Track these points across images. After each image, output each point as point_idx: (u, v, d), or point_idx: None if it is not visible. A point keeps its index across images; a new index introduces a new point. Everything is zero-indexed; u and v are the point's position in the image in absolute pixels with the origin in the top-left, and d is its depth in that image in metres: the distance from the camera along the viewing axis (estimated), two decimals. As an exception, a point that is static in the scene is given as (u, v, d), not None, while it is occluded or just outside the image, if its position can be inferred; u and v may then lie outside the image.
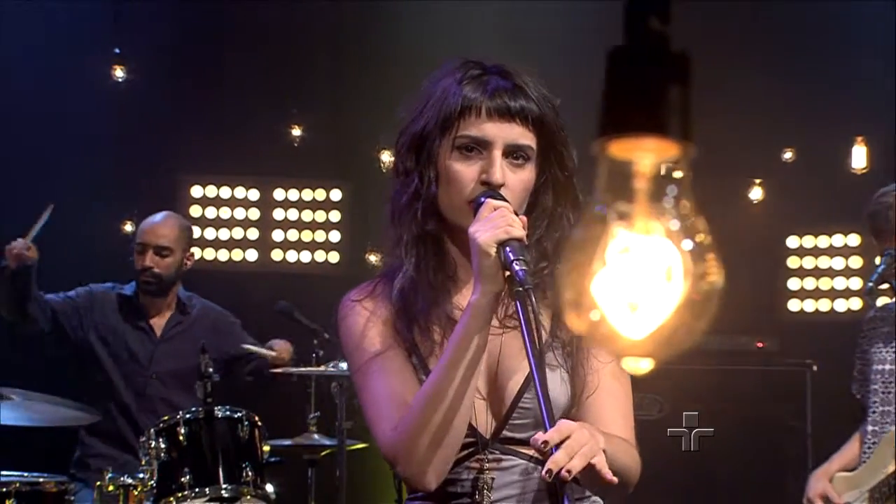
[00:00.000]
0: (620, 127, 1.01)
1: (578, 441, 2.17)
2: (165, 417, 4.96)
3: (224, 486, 4.86)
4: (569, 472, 2.13)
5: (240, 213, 7.82)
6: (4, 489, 4.93)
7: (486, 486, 2.46)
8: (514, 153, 2.49)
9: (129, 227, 6.86)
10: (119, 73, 6.88)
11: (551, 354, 2.53)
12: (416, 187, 2.53)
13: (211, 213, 7.77)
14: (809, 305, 7.93)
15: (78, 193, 6.91)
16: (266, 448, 5.08)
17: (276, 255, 7.86)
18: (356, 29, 7.42)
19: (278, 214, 7.87)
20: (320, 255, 7.90)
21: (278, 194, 7.87)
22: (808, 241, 8.01)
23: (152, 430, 4.88)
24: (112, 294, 5.82)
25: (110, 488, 4.92)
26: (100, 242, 6.81)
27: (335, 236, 7.92)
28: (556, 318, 2.55)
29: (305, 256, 7.87)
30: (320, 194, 7.90)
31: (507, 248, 2.28)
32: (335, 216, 7.93)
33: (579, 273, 1.05)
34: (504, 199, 2.40)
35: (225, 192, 7.81)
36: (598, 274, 1.05)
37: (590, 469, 2.18)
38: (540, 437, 2.17)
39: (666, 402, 6.53)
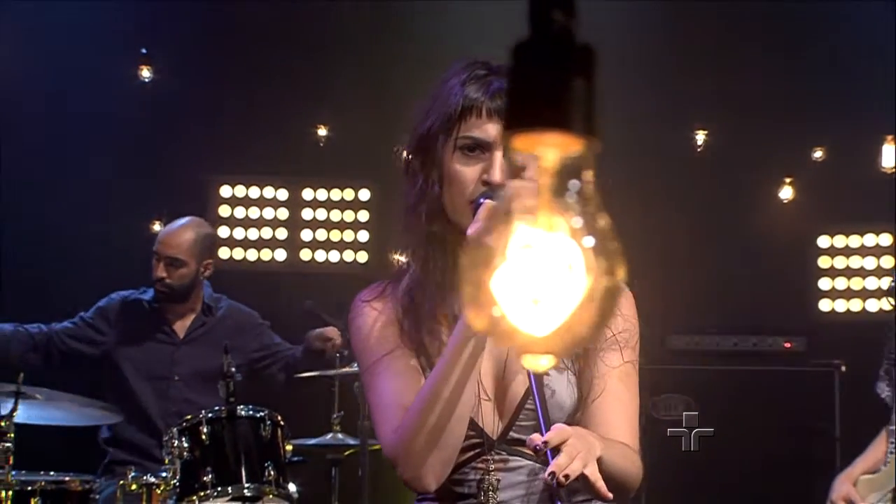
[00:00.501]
0: (524, 121, 1.00)
1: (575, 446, 2.16)
2: (188, 417, 4.95)
3: (246, 485, 4.84)
4: (566, 476, 2.12)
5: (268, 213, 7.83)
6: (29, 488, 4.94)
7: (491, 487, 2.46)
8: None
9: (157, 227, 6.87)
10: (146, 73, 6.90)
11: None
12: (420, 188, 2.53)
13: (240, 212, 7.78)
14: (841, 305, 7.87)
15: (106, 194, 6.94)
16: (289, 447, 5.07)
17: (305, 254, 7.86)
18: (383, 28, 7.41)
19: (307, 214, 7.88)
20: (349, 255, 7.90)
21: (307, 194, 7.87)
22: (840, 241, 7.95)
23: (175, 430, 4.88)
24: (131, 300, 5.83)
25: (133, 487, 4.93)
26: (128, 243, 6.82)
27: (364, 236, 7.92)
28: None
29: (334, 256, 7.87)
30: (349, 194, 7.90)
31: None
32: (363, 216, 7.93)
33: (479, 269, 1.04)
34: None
35: (254, 192, 7.81)
36: (499, 270, 1.04)
37: (583, 478, 2.18)
38: (536, 438, 2.16)
39: (694, 402, 6.50)
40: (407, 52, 7.42)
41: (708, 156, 7.61)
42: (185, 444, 4.86)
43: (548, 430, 2.17)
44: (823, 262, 7.93)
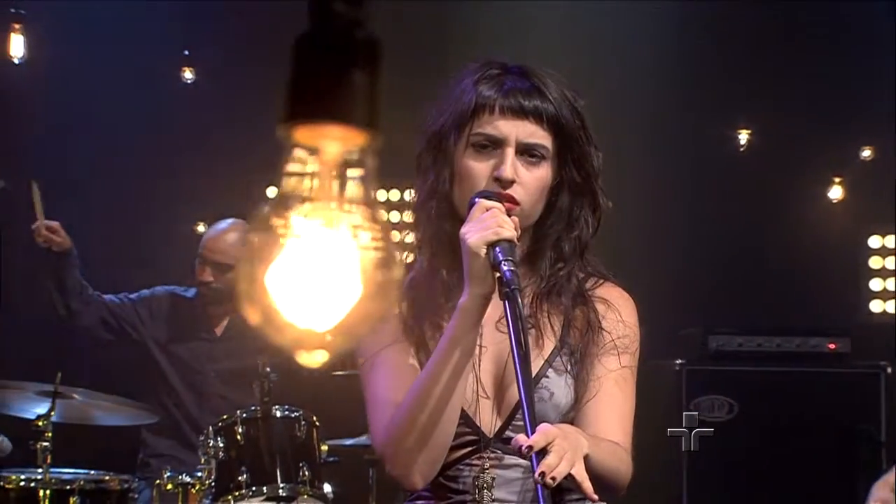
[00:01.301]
0: (305, 113, 0.99)
1: (562, 447, 2.16)
2: (224, 416, 4.98)
3: (281, 485, 4.87)
4: (553, 478, 2.12)
5: (315, 213, 7.84)
6: (68, 487, 5.00)
7: (486, 485, 2.46)
8: (528, 151, 2.50)
9: (200, 228, 6.91)
10: (188, 74, 6.93)
11: (559, 359, 2.52)
12: (431, 185, 2.55)
13: (287, 213, 7.80)
14: (892, 307, 7.78)
15: (151, 195, 6.99)
16: (324, 447, 5.09)
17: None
18: (435, 28, 7.42)
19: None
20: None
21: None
22: (891, 241, 7.85)
23: (210, 429, 4.91)
24: (172, 296, 5.86)
25: (169, 487, 4.97)
26: (173, 244, 6.87)
27: (411, 237, 7.89)
28: (568, 324, 2.54)
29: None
30: (394, 195, 7.90)
31: (497, 250, 2.28)
32: (411, 217, 7.91)
33: (255, 263, 1.03)
34: (499, 200, 2.40)
35: (302, 193, 7.83)
36: (275, 264, 1.03)
37: (570, 477, 2.17)
38: (521, 439, 2.16)
39: (736, 403, 6.46)
40: (458, 53, 7.42)
41: (753, 155, 7.55)
42: (221, 444, 4.89)
43: (534, 430, 2.17)
44: (875, 262, 7.84)
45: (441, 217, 2.56)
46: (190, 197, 7.09)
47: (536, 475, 2.12)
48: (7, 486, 4.98)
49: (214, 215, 6.15)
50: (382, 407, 2.49)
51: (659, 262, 7.41)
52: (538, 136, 2.51)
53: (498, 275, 2.26)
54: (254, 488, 4.84)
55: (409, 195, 7.83)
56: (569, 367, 2.53)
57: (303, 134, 1.02)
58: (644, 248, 7.46)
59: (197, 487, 4.91)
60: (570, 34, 7.21)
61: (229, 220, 5.92)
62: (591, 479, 2.27)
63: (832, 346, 6.66)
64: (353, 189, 1.04)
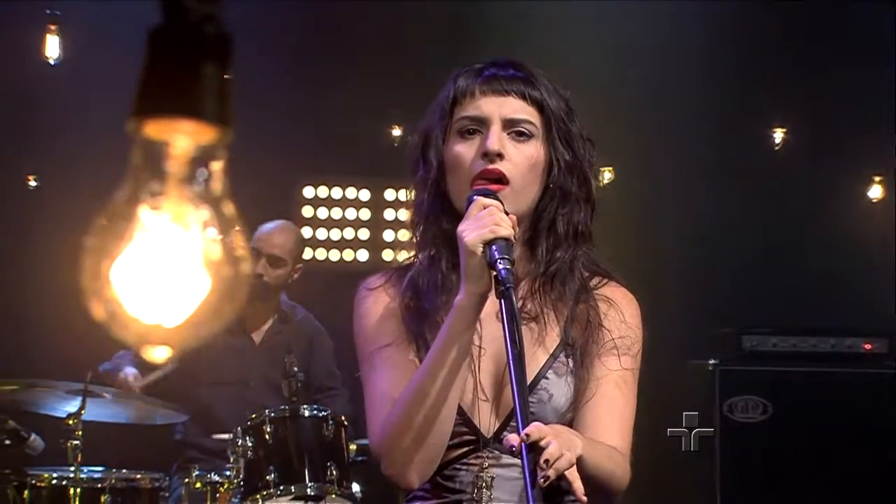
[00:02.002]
0: (156, 108, 0.98)
1: (558, 442, 2.14)
2: (253, 416, 4.99)
3: (309, 484, 4.87)
4: (546, 477, 2.10)
5: (351, 214, 7.86)
6: (99, 485, 5.03)
7: (485, 485, 2.45)
8: (514, 127, 2.49)
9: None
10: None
11: (561, 358, 2.50)
12: (424, 181, 2.55)
13: (322, 213, 7.83)
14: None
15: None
16: (353, 447, 5.09)
17: (388, 255, 7.87)
18: (458, 28, 7.41)
19: (389, 215, 7.89)
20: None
21: (389, 195, 7.88)
22: (931, 241, 7.78)
23: (239, 429, 4.92)
24: None
25: (198, 485, 4.99)
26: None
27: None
28: (570, 319, 2.52)
29: (417, 256, 7.87)
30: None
31: (493, 248, 2.27)
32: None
33: (100, 257, 1.02)
34: (497, 198, 2.39)
35: (336, 193, 7.85)
36: (121, 259, 1.02)
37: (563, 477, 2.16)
38: (513, 438, 2.14)
39: (770, 404, 6.41)
40: (483, 53, 7.41)
41: (789, 154, 7.50)
42: (249, 444, 4.89)
43: (524, 426, 2.15)
44: (916, 261, 7.76)
45: (437, 214, 2.57)
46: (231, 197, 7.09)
47: (541, 462, 2.09)
48: (39, 484, 5.01)
49: (254, 216, 6.16)
50: (380, 405, 2.49)
51: (694, 262, 7.38)
52: (523, 111, 2.51)
53: (494, 273, 2.25)
54: (282, 487, 4.84)
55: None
56: (570, 367, 2.51)
57: (153, 128, 1.01)
58: (680, 248, 7.44)
59: (225, 486, 4.93)
60: (605, 34, 7.20)
61: (280, 220, 5.97)
62: (584, 481, 2.25)
63: (868, 346, 6.60)
64: (203, 185, 1.03)
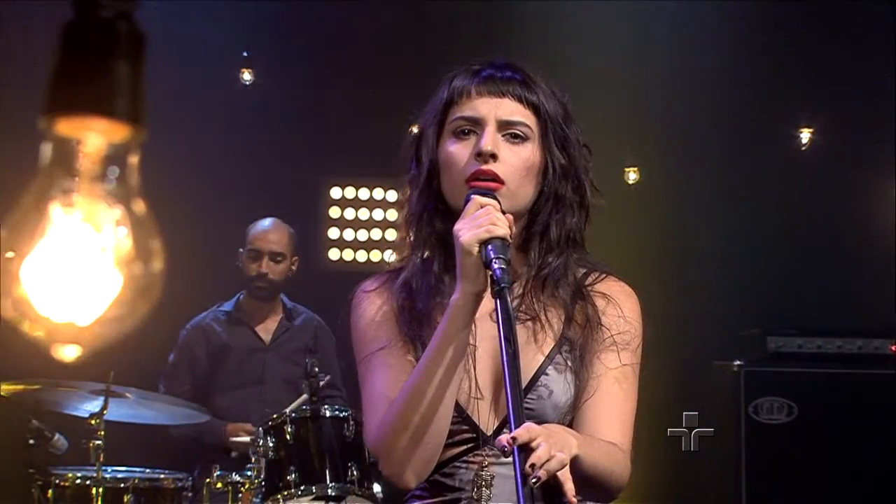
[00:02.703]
0: (68, 105, 0.98)
1: (548, 443, 2.13)
2: (274, 416, 5.00)
3: (330, 484, 4.88)
4: (537, 478, 2.10)
5: (378, 214, 7.86)
6: (122, 485, 5.05)
7: (484, 483, 2.44)
8: (509, 129, 2.49)
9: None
10: (247, 76, 6.97)
11: (560, 355, 2.50)
12: (418, 181, 2.56)
13: (350, 214, 7.82)
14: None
15: (216, 197, 7.03)
16: (374, 447, 5.09)
17: (415, 255, 7.86)
18: (495, 28, 7.41)
19: (416, 215, 7.88)
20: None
21: (416, 195, 7.87)
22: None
23: (260, 429, 4.94)
24: (206, 323, 5.91)
25: (219, 485, 5.01)
26: (239, 245, 6.91)
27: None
28: (568, 319, 2.52)
29: (444, 257, 7.87)
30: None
31: (489, 247, 2.26)
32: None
33: (9, 256, 1.02)
34: (494, 197, 2.39)
35: (363, 194, 7.84)
36: (31, 257, 1.02)
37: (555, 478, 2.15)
38: (504, 438, 2.14)
39: (795, 406, 6.38)
40: (520, 54, 7.41)
41: (815, 154, 7.46)
42: (270, 444, 4.91)
43: (517, 426, 2.15)
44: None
45: (432, 214, 2.56)
46: (256, 198, 7.13)
47: (527, 467, 2.09)
48: (63, 483, 5.04)
49: (282, 217, 6.18)
50: (377, 405, 2.49)
51: (720, 262, 7.35)
52: (519, 113, 2.50)
53: (490, 273, 2.25)
54: (303, 488, 4.85)
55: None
56: (569, 364, 2.50)
57: (65, 125, 1.00)
58: (705, 248, 7.40)
59: (246, 486, 4.94)
60: (631, 35, 7.19)
61: (270, 218, 6.05)
62: (582, 480, 2.25)
63: (894, 347, 6.57)
64: (115, 183, 1.03)
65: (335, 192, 7.83)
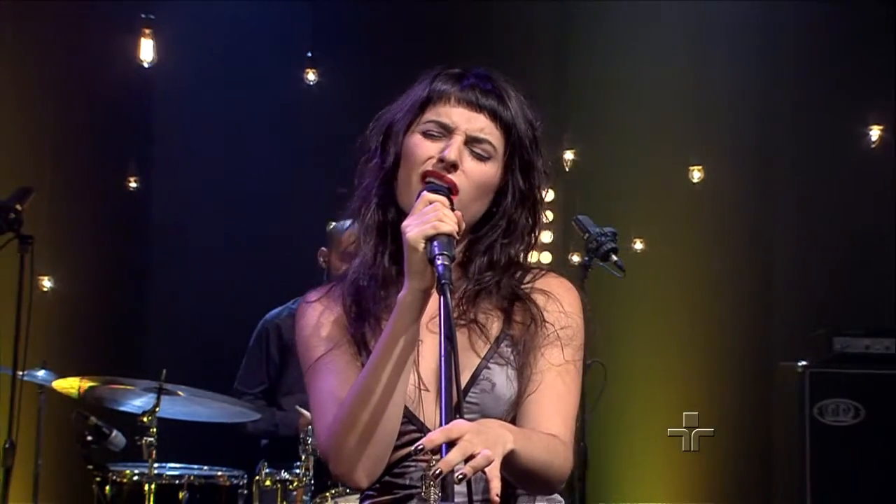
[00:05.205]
0: None
1: (471, 442, 2.11)
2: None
3: (378, 483, 4.88)
4: (463, 475, 2.07)
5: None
6: (178, 481, 5.12)
7: (433, 482, 2.42)
8: (476, 144, 2.47)
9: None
10: (311, 76, 7.00)
11: (502, 348, 2.48)
12: (375, 168, 2.54)
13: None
14: None
15: (278, 197, 7.09)
16: (420, 444, 5.08)
17: (532, 256, 7.84)
18: (542, 29, 7.40)
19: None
20: (532, 255, 7.85)
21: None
22: None
23: (309, 427, 4.95)
24: (284, 317, 5.90)
25: (267, 483, 5.04)
26: (307, 243, 6.95)
27: (547, 237, 7.87)
28: (508, 318, 2.50)
29: (519, 256, 7.85)
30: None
31: (434, 244, 2.25)
32: (548, 216, 7.88)
33: None
34: (447, 194, 2.37)
35: (430, 194, 7.84)
36: None
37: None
38: (424, 439, 2.12)
39: (862, 407, 6.27)
40: (564, 54, 7.41)
41: (886, 152, 7.34)
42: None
43: (448, 423, 2.13)
44: None
45: (383, 205, 2.54)
46: (322, 197, 7.16)
47: (433, 472, 2.07)
48: (121, 480, 5.12)
49: (343, 219, 6.20)
50: (327, 405, 2.47)
51: (786, 263, 7.28)
52: (489, 132, 2.48)
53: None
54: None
55: (549, 196, 7.81)
56: (512, 358, 2.48)
57: None
58: (770, 249, 7.33)
59: (295, 484, 4.97)
60: (697, 34, 7.15)
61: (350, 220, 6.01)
62: (521, 473, 2.24)
63: (963, 348, 6.43)
64: None
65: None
